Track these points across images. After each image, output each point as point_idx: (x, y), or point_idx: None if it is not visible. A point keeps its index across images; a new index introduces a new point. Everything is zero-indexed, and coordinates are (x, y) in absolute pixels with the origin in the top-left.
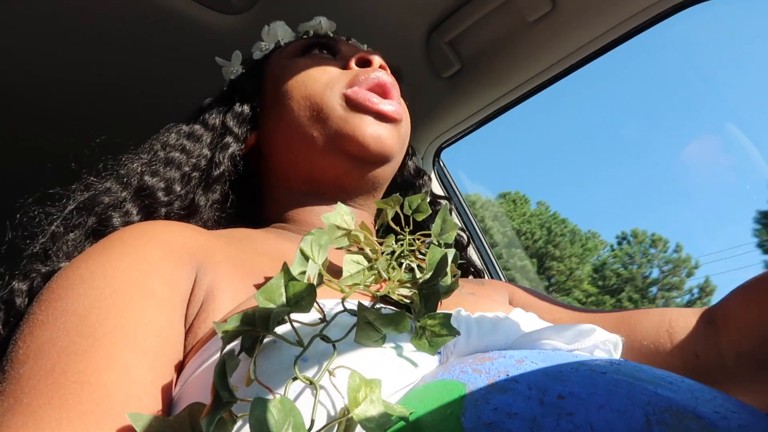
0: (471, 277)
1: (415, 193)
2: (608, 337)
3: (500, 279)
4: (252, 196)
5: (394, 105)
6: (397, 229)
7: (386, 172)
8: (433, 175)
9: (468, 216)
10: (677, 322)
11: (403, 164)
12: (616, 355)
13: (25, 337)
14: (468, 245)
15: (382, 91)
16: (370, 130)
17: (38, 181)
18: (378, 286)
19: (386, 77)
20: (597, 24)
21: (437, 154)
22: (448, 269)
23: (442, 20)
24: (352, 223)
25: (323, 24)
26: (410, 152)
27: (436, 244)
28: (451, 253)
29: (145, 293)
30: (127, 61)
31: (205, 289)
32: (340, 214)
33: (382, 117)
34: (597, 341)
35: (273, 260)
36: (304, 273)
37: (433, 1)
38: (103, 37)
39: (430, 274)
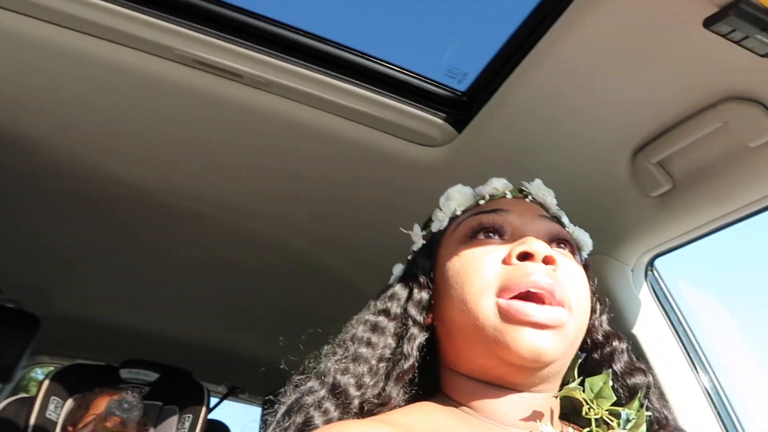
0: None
1: (602, 366)
2: None
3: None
4: (433, 370)
5: (554, 311)
6: (588, 412)
7: (555, 368)
8: (645, 289)
9: (691, 339)
10: None
11: (593, 326)
12: None
13: None
14: (668, 423)
15: (541, 295)
16: (526, 341)
17: None
18: None
19: (545, 279)
20: None
21: (651, 264)
22: None
23: (649, 141)
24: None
25: (499, 187)
26: (600, 313)
27: None
28: None
29: None
30: (335, 200)
31: None
32: (531, 413)
33: (540, 326)
34: None
35: None
36: None
37: (638, 122)
38: (322, 177)
39: None
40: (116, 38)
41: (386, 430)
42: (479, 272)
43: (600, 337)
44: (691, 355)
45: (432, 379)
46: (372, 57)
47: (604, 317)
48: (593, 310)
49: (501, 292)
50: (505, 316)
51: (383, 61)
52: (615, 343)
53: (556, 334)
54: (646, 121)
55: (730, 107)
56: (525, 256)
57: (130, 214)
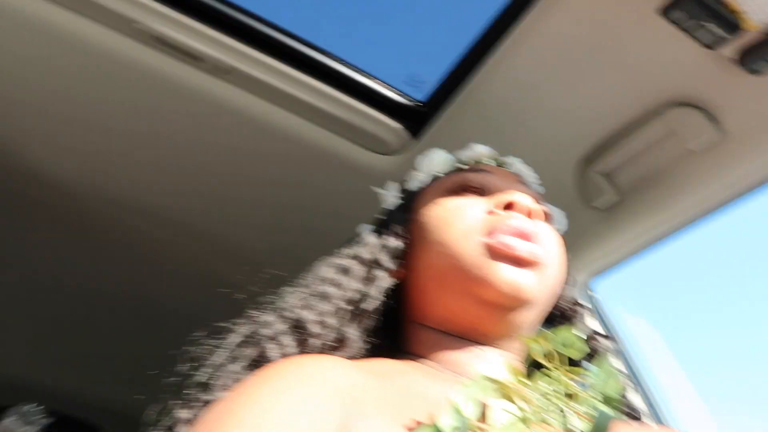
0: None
1: (567, 324)
2: None
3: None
4: (394, 326)
5: (535, 248)
6: (550, 366)
7: (528, 318)
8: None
9: (627, 354)
10: None
11: (560, 296)
12: None
13: None
14: (628, 392)
15: (521, 237)
16: (506, 276)
17: (208, 313)
18: None
19: (526, 224)
20: None
21: (590, 285)
22: None
23: (596, 152)
24: (506, 374)
25: (481, 152)
26: (567, 282)
27: (595, 395)
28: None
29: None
30: (293, 200)
31: None
32: (494, 364)
33: (520, 262)
34: None
35: (422, 403)
36: (456, 428)
37: (585, 133)
38: (271, 179)
39: None
40: (71, 3)
41: (353, 370)
42: (463, 217)
43: (567, 305)
44: (634, 375)
45: (394, 338)
46: (337, 57)
47: (571, 288)
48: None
49: (486, 234)
50: (489, 251)
51: (347, 63)
52: (581, 310)
53: (535, 274)
54: (595, 130)
55: (675, 113)
56: (508, 207)
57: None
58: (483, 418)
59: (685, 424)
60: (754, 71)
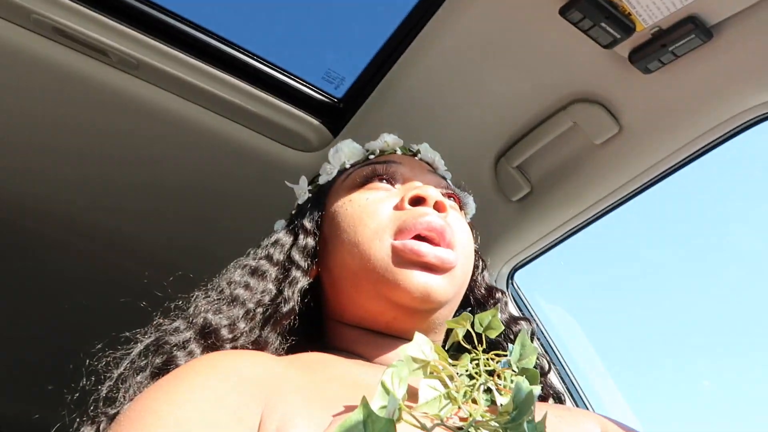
0: (552, 401)
1: (487, 309)
2: None
3: (585, 407)
4: (316, 323)
5: (445, 252)
6: (469, 347)
7: (442, 314)
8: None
9: (547, 339)
10: None
11: (474, 283)
12: None
13: None
14: (549, 371)
15: (432, 237)
16: (416, 281)
17: (110, 323)
18: (456, 412)
19: (437, 221)
20: (665, 144)
21: (511, 277)
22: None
23: (510, 146)
24: (431, 354)
25: (389, 142)
26: (482, 269)
27: (516, 370)
28: (536, 389)
29: (210, 426)
30: (205, 199)
31: (276, 424)
32: (418, 345)
33: (430, 268)
34: None
35: (346, 388)
36: (383, 408)
37: (500, 129)
38: (183, 174)
39: (516, 411)
40: None
41: (272, 361)
42: (373, 216)
43: (483, 292)
44: (553, 360)
45: (314, 334)
46: (250, 52)
47: (486, 274)
48: (476, 267)
49: (396, 234)
50: (399, 256)
51: (261, 59)
52: (498, 295)
53: (446, 276)
54: (507, 125)
55: (578, 109)
56: (417, 201)
57: None
58: (410, 397)
59: (601, 405)
60: (646, 69)
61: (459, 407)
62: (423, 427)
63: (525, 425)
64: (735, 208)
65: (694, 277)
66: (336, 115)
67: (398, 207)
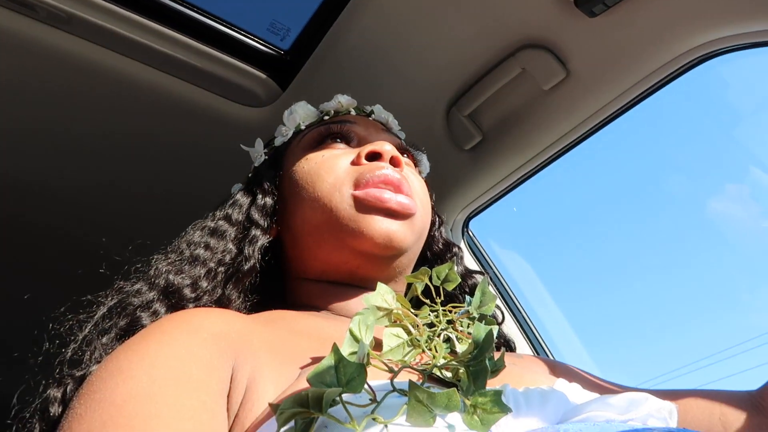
0: (504, 349)
1: (444, 262)
2: (662, 405)
3: (544, 354)
4: (277, 281)
5: (405, 199)
6: (428, 302)
7: (403, 262)
8: (463, 246)
9: (504, 286)
10: (730, 411)
11: (432, 238)
12: (672, 424)
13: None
14: (503, 321)
15: (390, 190)
16: (378, 226)
17: (72, 289)
18: (419, 357)
19: (394, 174)
20: (612, 87)
21: (466, 225)
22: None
23: (460, 95)
24: (393, 303)
25: (343, 103)
26: (438, 224)
27: (475, 316)
28: (495, 329)
29: (182, 379)
30: (155, 160)
31: (247, 377)
32: (381, 294)
33: (392, 214)
34: (651, 410)
35: (312, 340)
36: (353, 354)
37: (450, 77)
38: (129, 136)
39: (477, 350)
40: None
41: (238, 318)
42: (330, 171)
43: (440, 247)
44: (510, 306)
45: (276, 293)
46: (190, 4)
47: (442, 229)
48: (433, 223)
49: (354, 187)
50: (361, 204)
51: (202, 10)
52: (455, 250)
53: (407, 223)
54: (457, 73)
55: (526, 55)
56: (373, 156)
57: None
58: (375, 347)
59: (559, 352)
60: (591, 13)
61: (422, 351)
62: (390, 370)
63: (486, 362)
64: (675, 152)
65: (638, 214)
66: (283, 68)
67: (355, 162)
